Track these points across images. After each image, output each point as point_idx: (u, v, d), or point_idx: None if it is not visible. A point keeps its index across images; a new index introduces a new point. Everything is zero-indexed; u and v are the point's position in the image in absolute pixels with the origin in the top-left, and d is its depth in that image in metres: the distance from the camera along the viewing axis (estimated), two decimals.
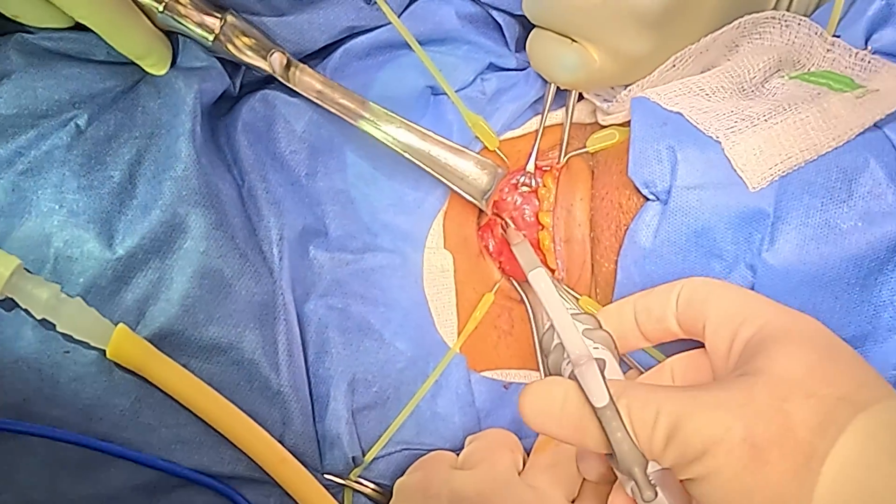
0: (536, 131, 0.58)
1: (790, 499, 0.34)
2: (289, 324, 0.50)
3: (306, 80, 0.52)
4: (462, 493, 0.45)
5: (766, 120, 0.48)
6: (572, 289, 0.55)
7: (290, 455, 0.48)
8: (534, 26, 0.54)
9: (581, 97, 0.58)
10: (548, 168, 0.57)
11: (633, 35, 0.50)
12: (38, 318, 0.46)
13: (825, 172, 0.47)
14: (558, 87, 0.56)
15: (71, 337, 0.46)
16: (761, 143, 0.47)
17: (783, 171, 0.47)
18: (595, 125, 0.58)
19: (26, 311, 0.46)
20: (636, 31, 0.50)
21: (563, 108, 0.58)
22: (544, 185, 0.56)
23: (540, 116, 0.58)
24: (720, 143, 0.48)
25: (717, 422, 0.35)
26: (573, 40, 0.52)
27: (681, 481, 0.38)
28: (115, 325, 0.46)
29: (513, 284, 0.56)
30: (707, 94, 0.51)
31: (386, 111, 0.53)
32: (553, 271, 0.55)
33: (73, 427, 0.46)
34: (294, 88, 0.52)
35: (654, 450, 0.37)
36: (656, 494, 0.38)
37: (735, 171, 0.47)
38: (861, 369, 0.38)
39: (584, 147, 0.56)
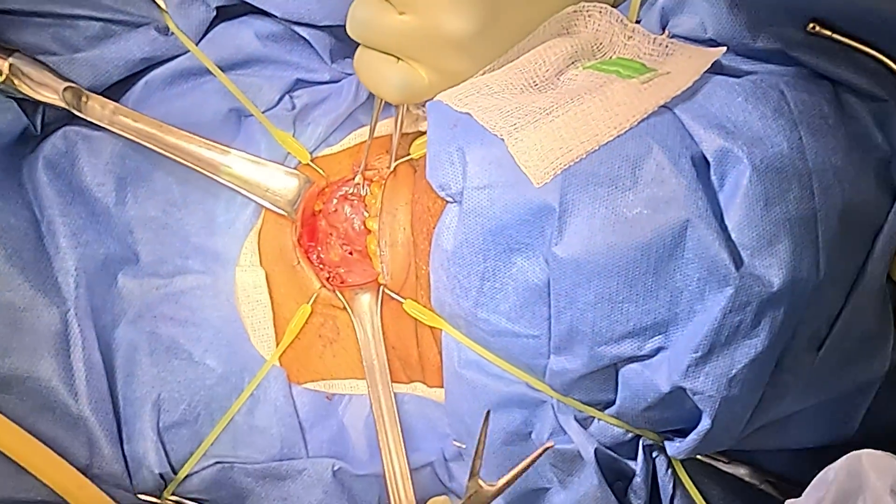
0: (363, 143, 0.58)
1: None
2: (87, 350, 0.51)
3: (98, 109, 0.53)
4: None
5: (547, 114, 0.48)
6: (398, 293, 0.55)
7: (88, 481, 0.49)
8: (350, 39, 0.54)
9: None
10: (376, 178, 0.57)
11: (452, 56, 0.50)
12: None
13: (609, 162, 0.46)
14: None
15: None
16: (542, 138, 0.47)
17: (565, 165, 0.46)
18: (418, 133, 0.58)
19: None
20: (454, 53, 0.50)
21: (387, 119, 0.58)
22: (371, 193, 0.57)
23: (361, 130, 0.58)
24: (504, 140, 0.48)
25: None
26: (398, 58, 0.52)
27: None
28: None
29: (335, 293, 0.57)
30: (495, 92, 0.51)
31: (184, 132, 0.54)
32: (378, 275, 0.56)
33: None
34: (90, 120, 0.53)
35: None
36: None
37: (519, 167, 0.47)
38: None
39: (409, 154, 0.57)
